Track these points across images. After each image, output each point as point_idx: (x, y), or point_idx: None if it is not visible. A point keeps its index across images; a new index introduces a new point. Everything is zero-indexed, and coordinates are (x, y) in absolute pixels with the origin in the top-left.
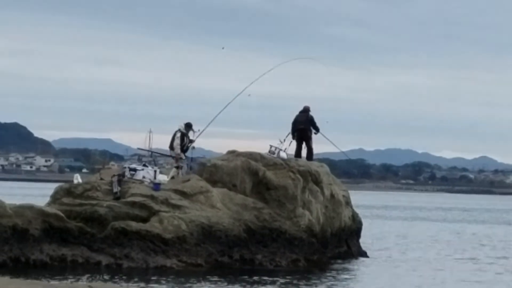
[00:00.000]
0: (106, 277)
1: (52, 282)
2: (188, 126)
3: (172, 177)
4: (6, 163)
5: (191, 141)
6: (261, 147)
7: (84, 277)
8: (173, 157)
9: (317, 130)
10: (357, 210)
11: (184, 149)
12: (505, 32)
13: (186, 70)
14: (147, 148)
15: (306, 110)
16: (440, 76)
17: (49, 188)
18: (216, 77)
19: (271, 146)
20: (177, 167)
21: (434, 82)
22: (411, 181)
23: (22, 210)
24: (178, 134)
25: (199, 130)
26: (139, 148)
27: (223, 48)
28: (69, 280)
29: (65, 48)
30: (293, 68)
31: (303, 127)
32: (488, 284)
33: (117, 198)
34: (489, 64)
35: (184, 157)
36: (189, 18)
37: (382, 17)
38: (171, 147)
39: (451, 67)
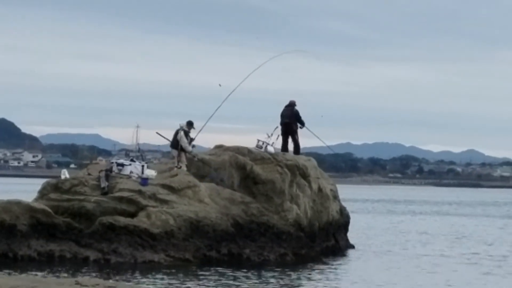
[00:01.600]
0: (94, 272)
1: (40, 277)
2: (190, 124)
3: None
4: None
5: (192, 139)
6: (248, 141)
7: (72, 272)
8: (174, 157)
9: (302, 124)
10: (345, 204)
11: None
12: (494, 26)
13: (174, 64)
14: (134, 143)
15: (291, 104)
16: (427, 70)
17: (37, 184)
18: (204, 71)
19: (258, 141)
20: (179, 167)
21: (422, 76)
22: (399, 175)
23: (10, 205)
24: (182, 133)
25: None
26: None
27: (220, 85)
28: (57, 275)
29: (52, 43)
30: (282, 62)
31: (288, 121)
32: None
33: (104, 193)
34: (476, 57)
35: (195, 155)
36: (176, 11)
37: (371, 11)
38: (173, 145)
39: (439, 61)
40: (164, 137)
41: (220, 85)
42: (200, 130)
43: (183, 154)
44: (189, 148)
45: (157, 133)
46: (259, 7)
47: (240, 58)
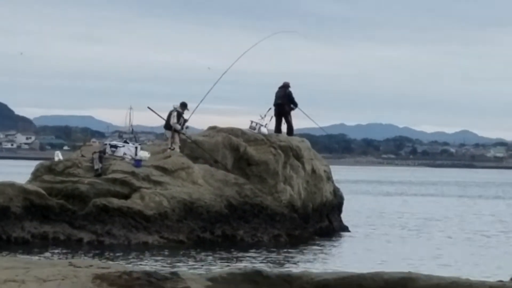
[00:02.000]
0: (87, 253)
1: (34, 259)
2: (184, 106)
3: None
4: None
5: (185, 120)
6: (242, 122)
7: (66, 254)
8: (166, 137)
9: (295, 105)
10: (339, 185)
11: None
12: (487, 7)
13: (167, 46)
14: (127, 125)
15: (285, 86)
16: (420, 51)
17: (30, 166)
18: (197, 54)
19: (252, 122)
20: (172, 148)
21: (415, 57)
22: (392, 156)
23: (3, 187)
24: (175, 113)
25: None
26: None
27: (209, 68)
28: (51, 257)
29: (46, 26)
30: (275, 43)
31: (281, 102)
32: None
33: (98, 175)
34: (470, 38)
35: (184, 134)
36: None
37: None
38: (167, 126)
39: (432, 42)
40: (155, 112)
41: (209, 68)
42: (193, 111)
43: (176, 135)
44: (178, 126)
45: (148, 107)
46: None
47: (231, 39)
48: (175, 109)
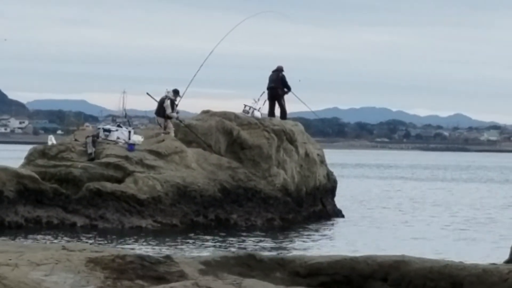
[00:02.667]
0: (81, 237)
1: (27, 243)
2: (176, 93)
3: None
4: None
5: (176, 106)
6: (235, 106)
7: (59, 238)
8: (159, 124)
9: (288, 89)
10: (332, 169)
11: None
12: None
13: (160, 30)
14: (121, 109)
15: (278, 70)
16: (413, 34)
17: (24, 150)
18: (190, 37)
19: (245, 106)
20: (167, 132)
21: (408, 40)
22: (386, 139)
23: None
24: (168, 102)
25: (181, 97)
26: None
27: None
28: (44, 241)
29: (38, 9)
30: (268, 27)
31: (274, 85)
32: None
33: (91, 159)
34: (462, 21)
35: (181, 120)
36: None
37: None
38: (159, 113)
39: (424, 25)
40: (154, 98)
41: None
42: (182, 96)
43: (169, 121)
44: (174, 115)
45: (147, 93)
46: None
47: (224, 22)
48: (167, 97)
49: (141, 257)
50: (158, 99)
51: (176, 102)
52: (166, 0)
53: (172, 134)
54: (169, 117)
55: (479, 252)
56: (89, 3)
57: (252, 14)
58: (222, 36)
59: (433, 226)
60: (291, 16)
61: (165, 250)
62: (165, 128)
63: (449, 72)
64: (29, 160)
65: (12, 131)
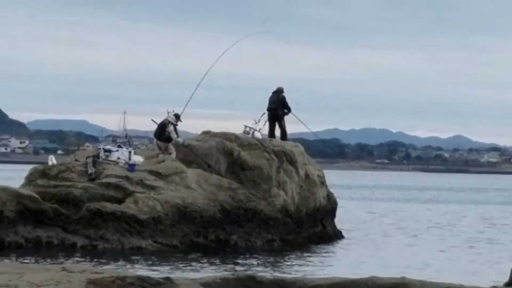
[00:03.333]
0: (81, 258)
1: (27, 264)
2: (177, 117)
3: None
4: None
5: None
6: (235, 127)
7: (59, 259)
8: (159, 147)
9: (288, 110)
10: (333, 190)
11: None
12: (480, 13)
13: (160, 52)
14: (121, 129)
15: (278, 91)
16: (413, 56)
17: (24, 170)
18: (190, 58)
19: (245, 127)
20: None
21: (408, 62)
22: (386, 161)
23: None
24: (172, 127)
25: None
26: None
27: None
28: (44, 262)
29: (39, 30)
30: (268, 48)
31: (274, 106)
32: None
33: (92, 179)
34: (461, 43)
35: (186, 147)
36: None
37: None
38: (160, 137)
39: (425, 48)
40: (157, 123)
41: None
42: (181, 113)
43: (170, 144)
44: (180, 140)
45: (152, 120)
46: None
47: (225, 44)
48: (170, 122)
49: (141, 279)
50: (161, 119)
51: (177, 126)
52: (167, 22)
53: (174, 155)
54: (170, 140)
55: (479, 273)
56: (91, 24)
57: (252, 33)
58: (222, 55)
59: (435, 248)
60: (290, 38)
61: (165, 271)
62: (165, 150)
63: (450, 94)
64: (30, 180)
65: (13, 151)
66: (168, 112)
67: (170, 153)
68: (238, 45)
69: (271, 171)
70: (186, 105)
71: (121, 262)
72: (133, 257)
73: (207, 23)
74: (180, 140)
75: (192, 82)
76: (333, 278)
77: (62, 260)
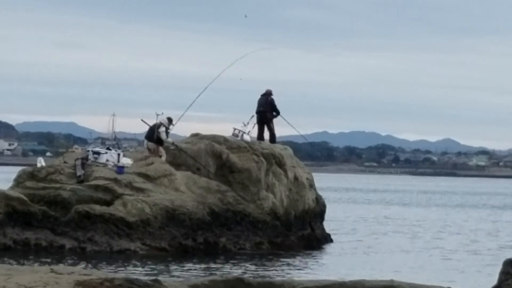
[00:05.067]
0: (69, 260)
1: (15, 265)
2: (170, 121)
3: None
4: None
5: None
6: (224, 130)
7: (47, 261)
8: (149, 149)
9: (277, 113)
10: (322, 193)
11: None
12: (468, 15)
13: (149, 53)
14: (110, 131)
15: (267, 93)
16: (402, 58)
17: (12, 172)
18: (179, 60)
19: (234, 129)
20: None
21: (397, 64)
22: (375, 164)
23: None
24: (163, 129)
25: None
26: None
27: (241, 79)
28: (32, 264)
29: (28, 32)
30: (255, 52)
31: (262, 109)
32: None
33: (80, 181)
34: (449, 46)
35: (173, 142)
36: (150, 1)
37: (343, 0)
38: (150, 138)
39: (414, 51)
40: (148, 124)
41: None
42: (176, 122)
43: (160, 147)
44: (170, 141)
45: (142, 120)
46: None
47: (212, 46)
48: (163, 124)
49: (129, 281)
50: (150, 123)
51: (169, 130)
52: (156, 24)
53: (164, 158)
54: (161, 143)
55: (468, 277)
56: (79, 26)
57: (257, 49)
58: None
59: (423, 251)
60: (280, 41)
61: (153, 274)
62: (155, 152)
63: (438, 97)
64: (18, 182)
65: (1, 153)
66: (158, 115)
67: (160, 156)
68: (226, 48)
69: (259, 173)
70: (185, 112)
71: (109, 264)
72: (122, 260)
73: (196, 26)
74: (170, 140)
75: (182, 86)
76: (321, 281)
77: (51, 262)
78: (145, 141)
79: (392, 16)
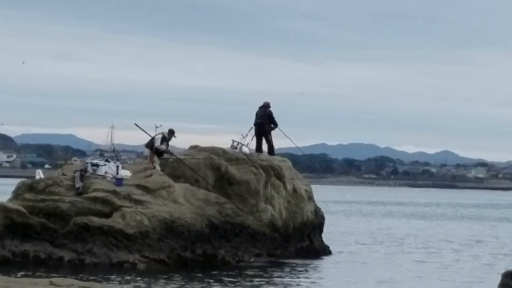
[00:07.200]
0: (68, 272)
1: (14, 278)
2: (171, 133)
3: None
4: None
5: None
6: (223, 142)
7: (46, 273)
8: (146, 156)
9: (275, 125)
10: (320, 205)
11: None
12: (461, 25)
13: (148, 65)
14: (109, 143)
15: (265, 106)
16: (401, 70)
17: (11, 184)
18: (178, 72)
19: (233, 141)
20: (153, 167)
21: (395, 76)
22: (373, 176)
23: None
24: (159, 136)
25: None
26: None
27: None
28: (32, 276)
29: (26, 43)
30: (256, 62)
31: (261, 121)
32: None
33: (79, 193)
34: (447, 57)
35: (172, 153)
36: (148, 13)
37: (338, 12)
38: (147, 144)
39: (413, 62)
40: (142, 129)
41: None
42: (174, 131)
43: (155, 155)
44: (163, 147)
45: (135, 124)
46: (230, 7)
47: (211, 58)
48: (162, 134)
49: None
50: (147, 131)
51: (169, 142)
52: (153, 35)
53: (158, 167)
54: (158, 151)
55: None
56: (77, 37)
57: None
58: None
59: (421, 263)
60: (277, 52)
61: (152, 285)
62: (149, 159)
63: (437, 109)
64: (17, 194)
65: (0, 165)
66: (157, 127)
67: (153, 163)
68: (223, 59)
69: (258, 185)
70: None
71: (108, 276)
72: (120, 272)
73: (192, 37)
74: (162, 147)
75: (180, 97)
76: None
77: (50, 274)
78: (146, 149)
79: (391, 27)
